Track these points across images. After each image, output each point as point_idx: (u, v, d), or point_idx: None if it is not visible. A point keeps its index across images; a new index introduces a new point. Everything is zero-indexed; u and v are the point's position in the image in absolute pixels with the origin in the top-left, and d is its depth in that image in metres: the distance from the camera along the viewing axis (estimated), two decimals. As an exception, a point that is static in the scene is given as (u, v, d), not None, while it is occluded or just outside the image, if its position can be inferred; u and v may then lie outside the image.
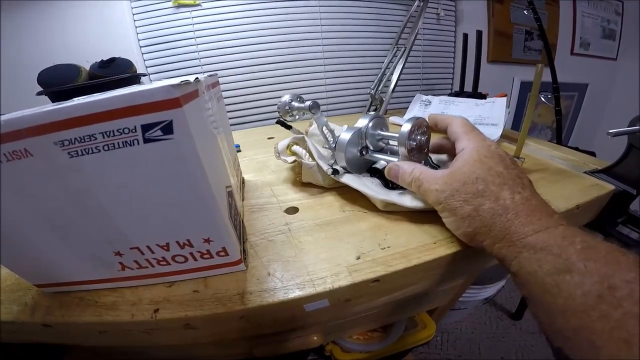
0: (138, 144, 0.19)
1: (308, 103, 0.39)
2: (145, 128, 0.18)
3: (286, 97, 0.42)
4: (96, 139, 0.18)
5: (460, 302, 1.07)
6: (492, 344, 1.13)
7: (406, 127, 0.33)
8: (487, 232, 0.25)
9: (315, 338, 0.51)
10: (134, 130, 0.18)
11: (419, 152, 0.35)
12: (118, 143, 0.19)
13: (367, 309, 0.32)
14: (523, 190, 0.26)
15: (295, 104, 0.42)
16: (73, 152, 0.19)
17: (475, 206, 0.26)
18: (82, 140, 0.18)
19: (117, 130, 0.18)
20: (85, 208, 0.22)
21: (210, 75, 0.32)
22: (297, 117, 0.43)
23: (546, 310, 0.21)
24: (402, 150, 0.34)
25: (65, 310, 0.26)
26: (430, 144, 0.37)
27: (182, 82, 0.19)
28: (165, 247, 0.25)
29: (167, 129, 0.19)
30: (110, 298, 0.27)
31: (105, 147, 0.19)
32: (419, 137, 0.34)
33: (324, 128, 0.40)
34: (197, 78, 0.23)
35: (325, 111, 1.00)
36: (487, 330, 1.18)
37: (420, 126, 0.34)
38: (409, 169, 0.32)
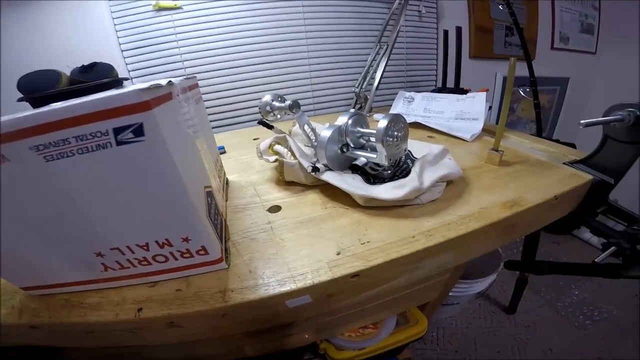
0: (111, 146, 0.19)
1: (288, 102, 0.39)
2: (117, 131, 0.19)
3: (267, 97, 0.43)
4: (70, 143, 0.19)
5: (453, 297, 1.08)
6: (488, 338, 1.14)
7: (382, 123, 0.33)
8: None
9: (306, 336, 0.51)
10: (106, 134, 0.19)
11: (397, 147, 0.35)
12: (92, 146, 0.19)
13: (353, 304, 0.33)
14: None
15: (276, 103, 0.42)
16: (48, 156, 0.19)
17: None
18: (57, 145, 0.19)
19: (90, 134, 0.19)
20: (64, 210, 0.22)
21: (188, 78, 0.33)
22: (278, 116, 0.43)
23: None
24: (379, 147, 0.34)
25: (51, 311, 0.26)
26: None
27: (152, 85, 0.19)
28: (145, 247, 0.25)
29: (138, 131, 0.19)
30: (94, 299, 0.27)
31: (80, 151, 0.19)
32: (395, 133, 0.35)
33: (306, 126, 0.40)
34: (170, 81, 0.23)
35: (312, 110, 1.00)
36: (482, 324, 1.19)
37: (397, 122, 0.35)
38: None
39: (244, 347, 0.48)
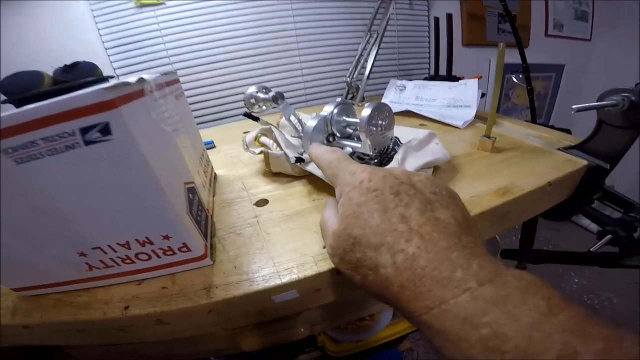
0: (80, 146, 0.19)
1: (271, 94, 0.39)
2: (84, 131, 0.19)
3: (251, 89, 0.42)
4: (38, 145, 0.19)
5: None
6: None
7: (366, 112, 0.32)
8: (388, 303, 0.20)
9: (302, 329, 0.51)
10: (72, 134, 0.19)
11: (382, 136, 0.35)
12: (60, 147, 0.19)
13: (343, 297, 0.32)
14: (408, 243, 0.18)
15: (261, 95, 0.41)
16: (18, 159, 0.19)
17: (362, 276, 0.20)
18: (25, 147, 0.19)
19: (57, 135, 0.19)
20: (41, 212, 0.22)
21: (166, 74, 0.32)
22: (264, 108, 0.42)
23: None
24: (363, 136, 0.33)
25: (42, 311, 0.27)
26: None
27: (118, 83, 0.19)
28: (126, 246, 0.25)
29: (105, 130, 0.19)
30: (83, 298, 0.27)
31: (49, 152, 0.19)
32: (380, 122, 0.34)
33: (292, 117, 0.39)
34: (141, 78, 0.23)
35: (304, 102, 0.99)
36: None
37: (382, 111, 0.34)
38: (324, 161, 0.27)
39: (241, 342, 0.48)
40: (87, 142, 0.19)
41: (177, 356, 0.50)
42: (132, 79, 0.21)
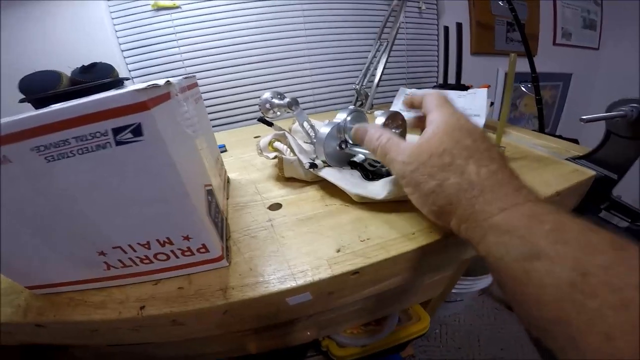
0: (111, 146, 0.20)
1: (287, 100, 0.39)
2: (116, 131, 0.19)
3: (266, 95, 0.43)
4: (70, 143, 0.19)
5: (455, 294, 1.08)
6: (492, 335, 1.13)
7: (379, 120, 0.33)
8: (453, 211, 0.24)
9: (308, 333, 0.51)
10: (105, 134, 0.19)
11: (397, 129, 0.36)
12: (91, 147, 0.19)
13: (354, 301, 0.33)
14: (490, 163, 0.23)
15: (276, 101, 0.42)
16: (49, 157, 0.19)
17: (440, 181, 0.24)
18: (57, 146, 0.19)
19: (90, 135, 0.19)
20: (65, 210, 0.22)
21: (187, 77, 0.33)
22: (278, 113, 0.43)
23: (519, 299, 0.19)
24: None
25: (56, 310, 0.27)
26: (407, 122, 0.36)
27: (149, 85, 0.20)
28: (147, 246, 0.26)
29: (137, 131, 0.19)
30: (98, 297, 0.27)
31: (80, 151, 0.20)
32: (393, 131, 0.35)
33: (305, 123, 0.40)
34: (168, 81, 0.24)
35: (312, 108, 1.00)
36: (485, 321, 1.19)
37: (395, 119, 0.35)
38: (376, 135, 0.30)
39: (247, 345, 0.48)
40: (118, 143, 0.20)
41: (184, 357, 0.50)
42: (160, 81, 0.22)
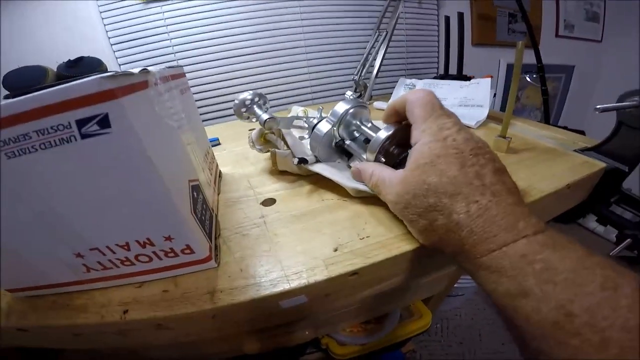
0: (75, 140, 0.18)
1: (265, 117, 0.37)
2: (80, 123, 0.18)
3: (245, 95, 0.41)
4: (31, 137, 0.18)
5: (458, 289, 1.07)
6: (492, 329, 1.13)
7: (383, 134, 0.30)
8: (445, 246, 0.24)
9: (306, 333, 0.50)
10: (68, 126, 0.18)
11: (398, 148, 0.31)
12: (54, 141, 0.18)
13: (353, 302, 0.31)
14: (481, 196, 0.22)
15: (255, 107, 0.40)
16: (10, 153, 0.18)
17: (430, 221, 0.23)
18: (17, 140, 0.18)
19: (51, 128, 0.17)
20: (34, 210, 0.21)
21: (171, 67, 0.31)
22: (253, 120, 0.41)
23: (509, 325, 0.20)
24: (368, 156, 0.32)
25: (38, 313, 0.26)
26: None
27: (119, 73, 0.18)
28: (126, 247, 0.24)
29: (104, 122, 0.18)
30: (81, 300, 0.26)
31: (42, 146, 0.18)
32: (394, 151, 0.31)
33: (292, 130, 0.38)
34: (144, 69, 0.22)
35: (310, 100, 0.98)
36: (486, 316, 1.19)
37: (396, 137, 0.31)
38: (367, 173, 0.30)
39: (244, 345, 0.47)
40: (84, 136, 0.18)
41: (180, 359, 0.49)
42: (135, 69, 0.20)
